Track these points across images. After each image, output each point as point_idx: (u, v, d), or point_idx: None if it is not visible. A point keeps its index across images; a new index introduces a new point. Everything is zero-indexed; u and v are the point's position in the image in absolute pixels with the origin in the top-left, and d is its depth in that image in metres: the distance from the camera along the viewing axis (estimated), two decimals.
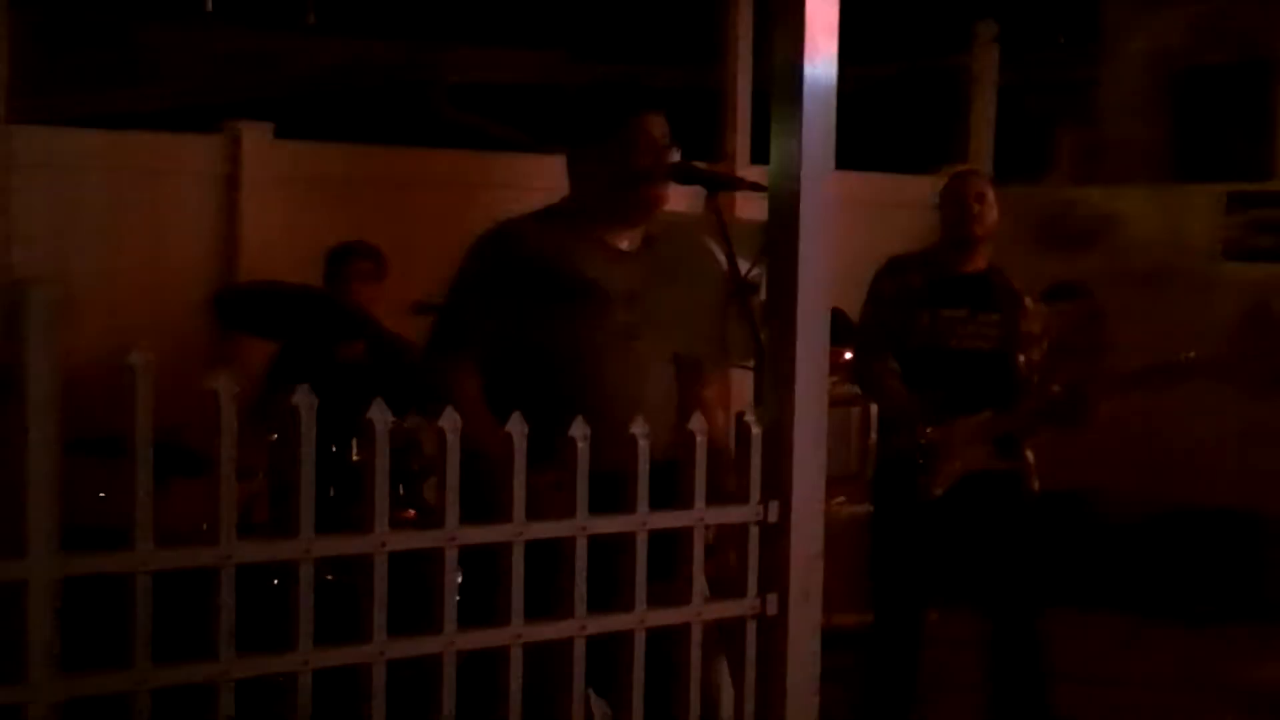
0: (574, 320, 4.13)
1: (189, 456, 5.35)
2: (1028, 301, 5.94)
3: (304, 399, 2.59)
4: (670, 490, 3.06)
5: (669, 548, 3.06)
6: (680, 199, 4.32)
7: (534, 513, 2.92)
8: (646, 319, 4.16)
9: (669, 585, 3.21)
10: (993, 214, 5.90)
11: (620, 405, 4.02)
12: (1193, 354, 5.89)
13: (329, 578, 4.57)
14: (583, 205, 4.29)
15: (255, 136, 7.26)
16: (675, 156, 4.24)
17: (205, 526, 2.61)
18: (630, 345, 4.15)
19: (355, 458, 5.28)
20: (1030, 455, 5.90)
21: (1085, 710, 6.65)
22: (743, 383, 3.70)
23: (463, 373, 4.15)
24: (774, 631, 3.07)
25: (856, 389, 6.27)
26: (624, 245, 4.28)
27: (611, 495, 2.99)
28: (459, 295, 4.26)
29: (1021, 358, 5.87)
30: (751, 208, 4.89)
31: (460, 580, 3.05)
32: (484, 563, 2.93)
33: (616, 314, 4.16)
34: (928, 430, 5.74)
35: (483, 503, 2.99)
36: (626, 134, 4.19)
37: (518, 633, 2.83)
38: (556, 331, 4.13)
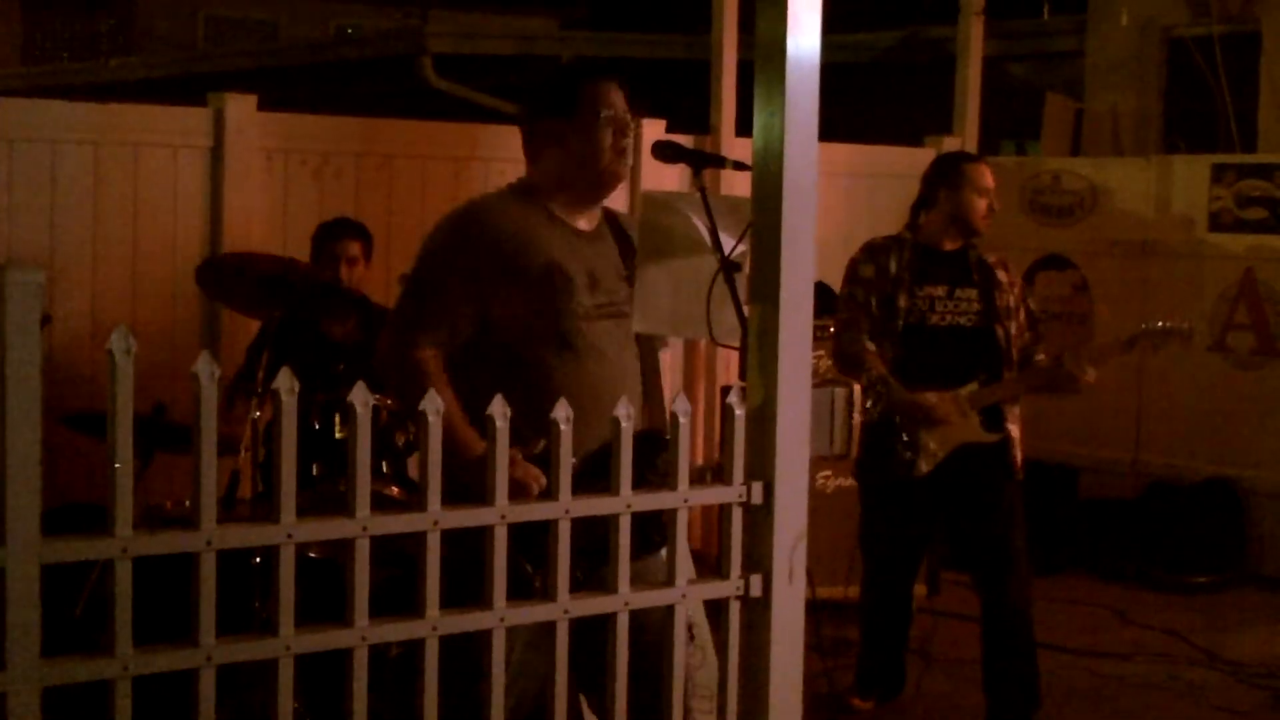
0: (538, 302, 4.06)
1: (174, 430, 5.35)
2: (1001, 275, 6.02)
3: (286, 383, 2.57)
4: (638, 459, 3.02)
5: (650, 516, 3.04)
6: (666, 177, 4.28)
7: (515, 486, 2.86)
8: (610, 301, 4.13)
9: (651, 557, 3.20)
10: None
11: (585, 386, 4.00)
12: (1166, 323, 5.96)
13: (311, 555, 4.57)
14: (541, 183, 4.22)
15: (239, 109, 7.22)
16: (631, 130, 4.18)
17: (187, 503, 2.60)
18: (594, 327, 4.10)
19: (339, 434, 5.26)
20: (1013, 429, 5.94)
21: (1075, 679, 6.68)
22: (731, 359, 3.68)
23: (426, 353, 4.07)
24: (758, 613, 3.06)
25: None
26: (582, 225, 4.22)
27: (579, 476, 2.98)
28: (423, 276, 4.19)
29: (1001, 330, 5.93)
30: (737, 184, 4.87)
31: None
32: (467, 543, 2.92)
33: (580, 296, 4.10)
34: (909, 398, 5.78)
35: (459, 484, 2.97)
36: (579, 110, 4.13)
37: (500, 616, 2.82)
38: (521, 313, 4.07)
